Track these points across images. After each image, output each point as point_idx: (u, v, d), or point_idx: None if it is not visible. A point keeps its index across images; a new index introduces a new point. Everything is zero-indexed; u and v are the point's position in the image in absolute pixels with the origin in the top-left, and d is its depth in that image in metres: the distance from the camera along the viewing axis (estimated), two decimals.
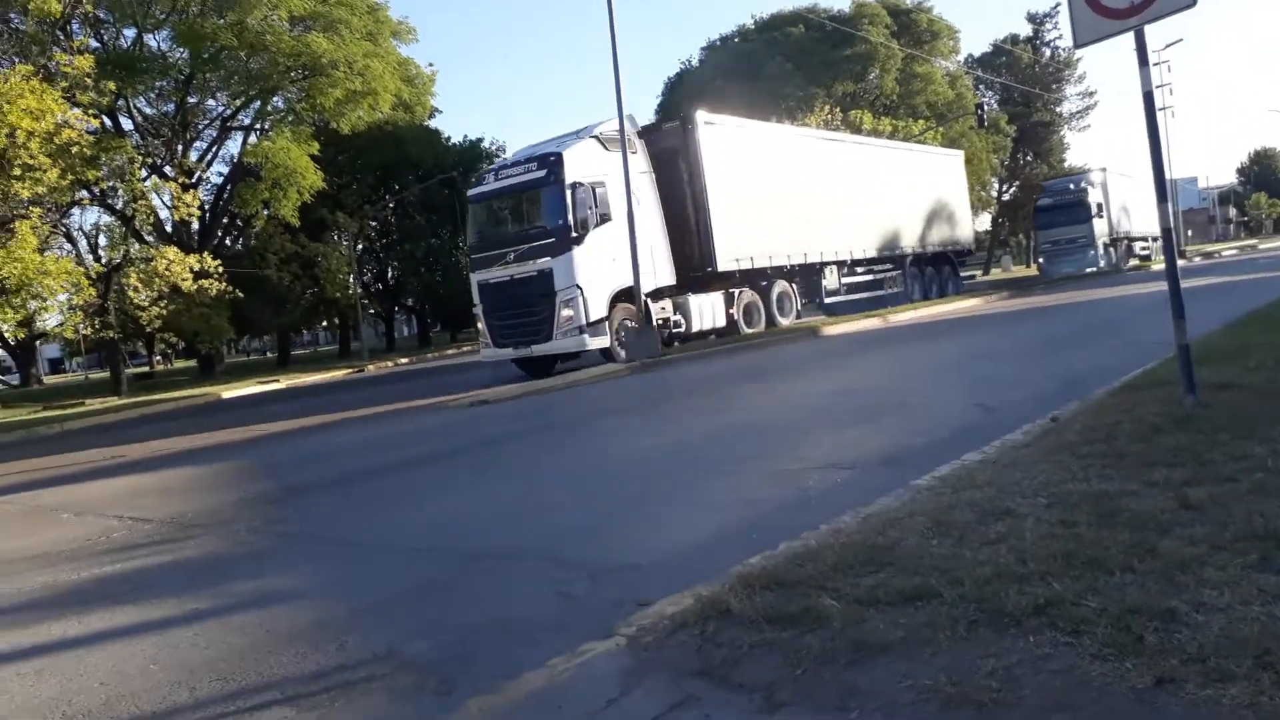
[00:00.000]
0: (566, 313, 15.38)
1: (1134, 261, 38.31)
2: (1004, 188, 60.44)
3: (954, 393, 8.42)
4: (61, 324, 30.19)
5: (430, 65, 36.94)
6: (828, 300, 22.24)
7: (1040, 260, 38.04)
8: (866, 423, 7.09)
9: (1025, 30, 61.42)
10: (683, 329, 17.80)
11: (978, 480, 4.17)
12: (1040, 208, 37.38)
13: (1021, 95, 54.73)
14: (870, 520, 3.73)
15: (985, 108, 48.63)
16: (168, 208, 31.00)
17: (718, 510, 4.93)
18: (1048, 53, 60.61)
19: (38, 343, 51.91)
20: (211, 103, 34.18)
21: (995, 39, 64.67)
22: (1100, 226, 34.77)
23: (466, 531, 5.24)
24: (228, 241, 35.66)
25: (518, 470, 7.28)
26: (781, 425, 7.88)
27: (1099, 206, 34.69)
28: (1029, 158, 60.15)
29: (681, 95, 45.94)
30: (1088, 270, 33.70)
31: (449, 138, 42.59)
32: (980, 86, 56.93)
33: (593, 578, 4.00)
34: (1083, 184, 35.86)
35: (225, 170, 35.78)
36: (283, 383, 25.19)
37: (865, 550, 3.32)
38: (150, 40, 32.17)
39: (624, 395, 12.17)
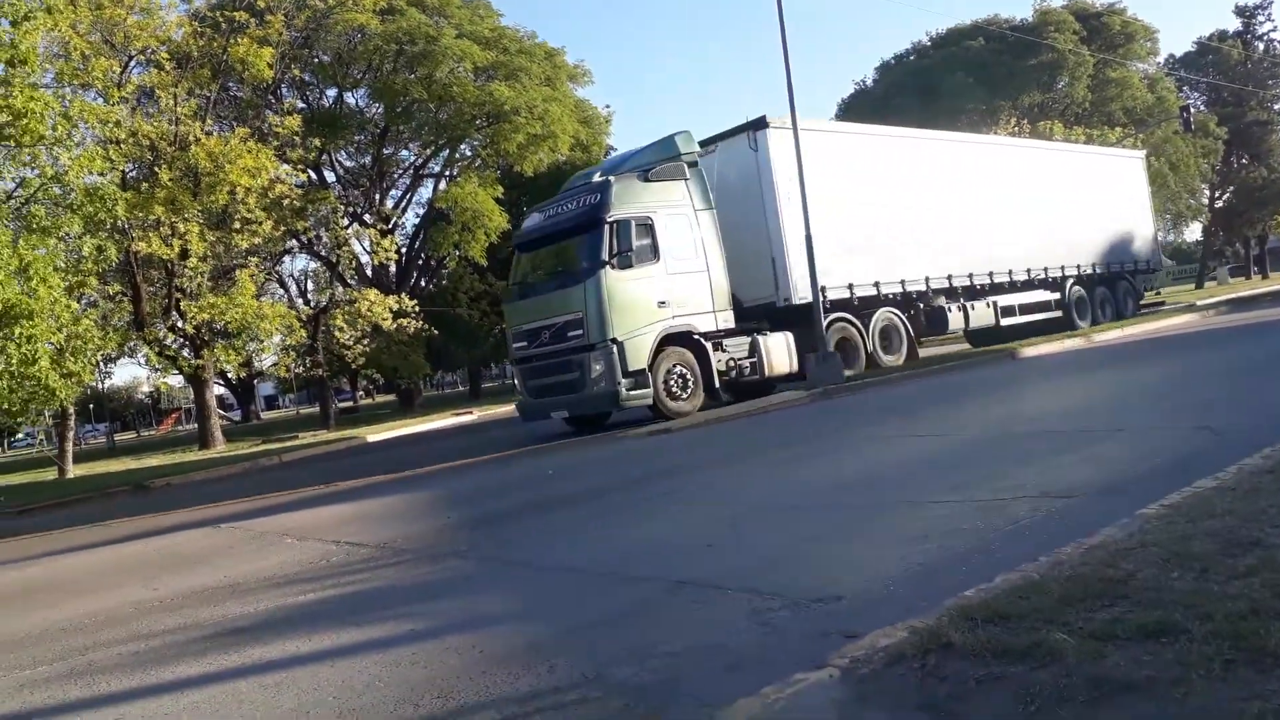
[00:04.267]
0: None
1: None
2: (1216, 194, 55.96)
3: (1176, 415, 7.82)
4: (276, 363, 32.78)
5: (607, 106, 38.01)
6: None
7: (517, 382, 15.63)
8: (1079, 448, 6.66)
9: (1234, 24, 56.94)
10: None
11: (1216, 508, 3.82)
12: (520, 245, 15.93)
13: (1233, 95, 50.73)
14: (1096, 551, 3.48)
15: (1191, 110, 45.16)
16: (368, 253, 33.23)
17: (919, 541, 4.74)
18: (1261, 47, 55.92)
19: (255, 381, 56.72)
20: (405, 153, 36.69)
21: (1199, 37, 60.22)
22: (639, 293, 13.75)
23: (660, 559, 5.27)
24: (423, 282, 37.75)
25: (706, 498, 7.28)
26: (983, 452, 7.53)
27: (649, 237, 14.02)
28: (1244, 160, 55.51)
29: (855, 116, 45.24)
30: (600, 410, 14.33)
31: None
32: (1184, 88, 53.14)
33: (793, 608, 3.92)
34: (612, 181, 14.30)
35: (419, 215, 38.16)
36: (475, 414, 26.32)
37: (1095, 583, 3.09)
38: (349, 98, 34.80)
39: (809, 422, 11.99)
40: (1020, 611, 2.94)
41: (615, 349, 13.34)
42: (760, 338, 15.08)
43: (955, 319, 19.24)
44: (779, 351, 15.29)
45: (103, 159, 21.94)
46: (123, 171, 25.50)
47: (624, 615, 4.25)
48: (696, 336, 14.23)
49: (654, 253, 13.95)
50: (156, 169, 25.24)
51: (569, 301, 13.82)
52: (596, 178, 14.97)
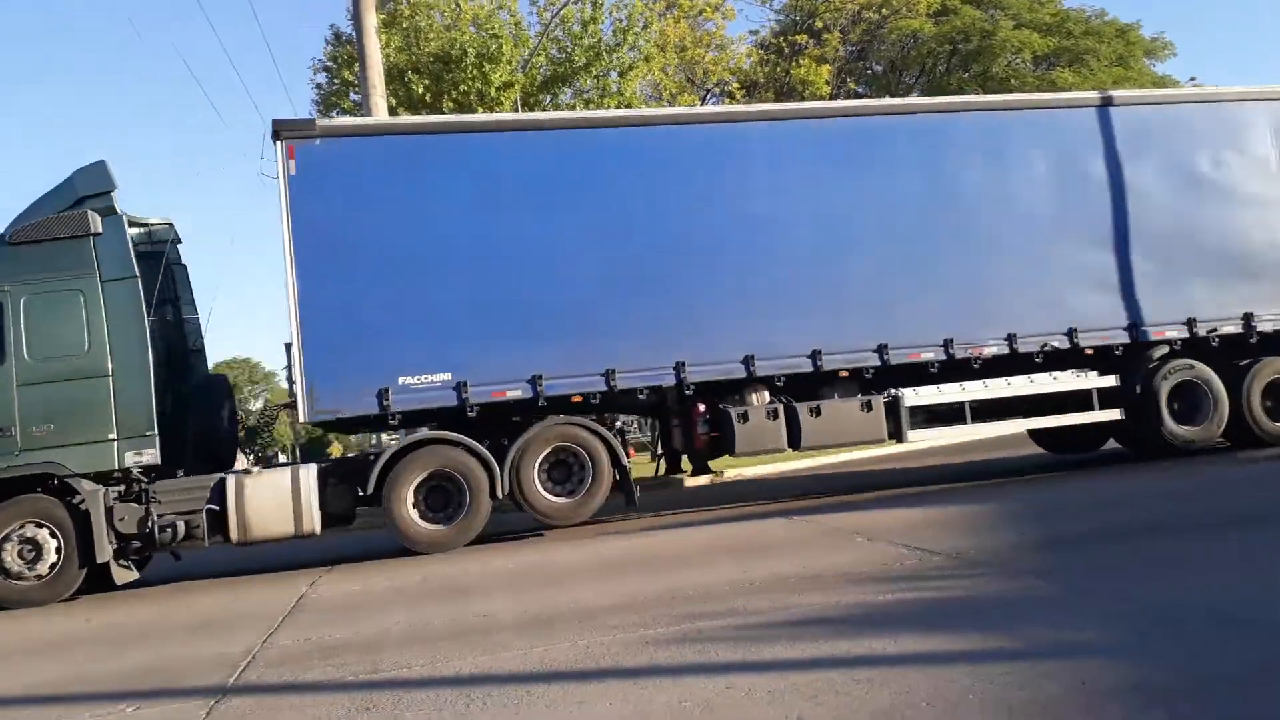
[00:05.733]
0: None
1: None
2: None
3: None
4: None
5: (1192, 79, 33.45)
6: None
7: None
8: None
9: None
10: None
11: None
12: None
13: None
14: None
15: None
16: None
17: None
18: None
19: None
20: None
21: None
22: None
23: None
24: None
25: None
26: None
27: None
28: None
29: None
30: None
31: None
32: None
33: None
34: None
35: None
36: None
37: None
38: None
39: None
40: None
41: None
42: (233, 479, 9.58)
43: (757, 431, 10.71)
44: (267, 501, 9.58)
45: None
46: None
47: (1256, 672, 3.64)
48: (68, 481, 9.16)
49: None
50: None
51: None
52: None
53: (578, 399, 10.38)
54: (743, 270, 10.79)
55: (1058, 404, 11.58)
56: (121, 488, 9.36)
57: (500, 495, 10.06)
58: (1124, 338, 11.55)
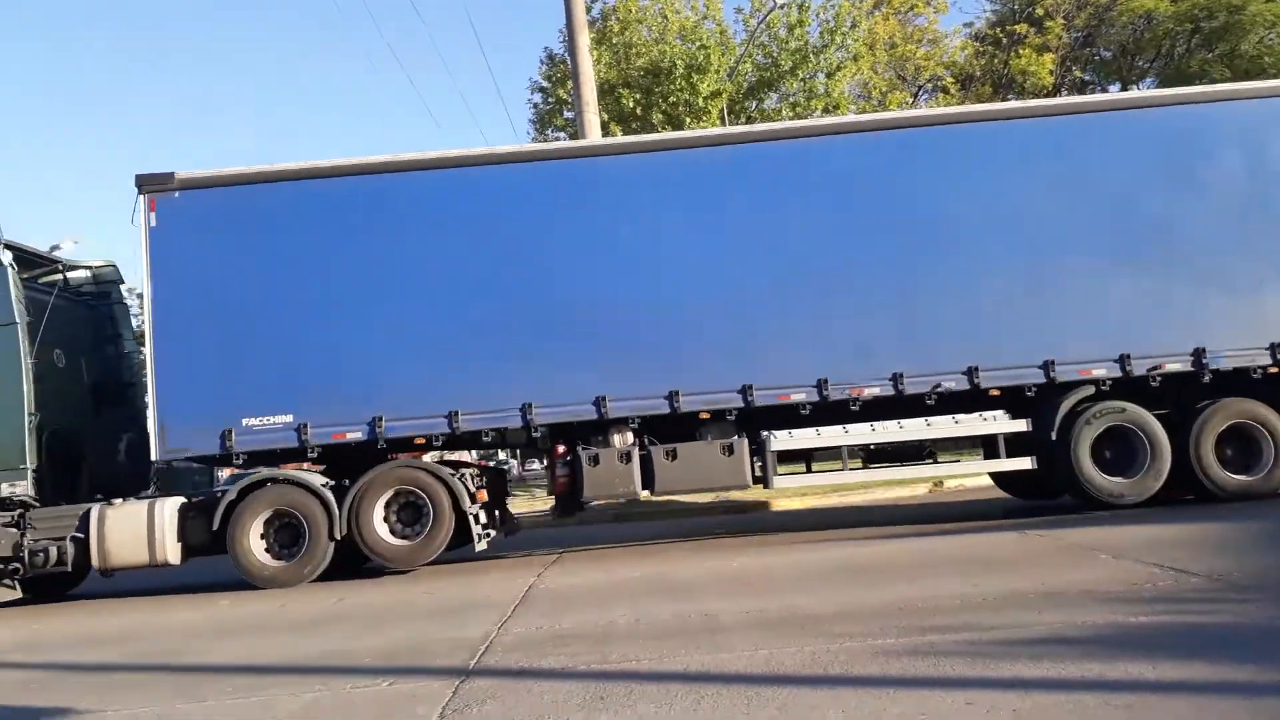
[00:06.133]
0: None
1: None
2: None
3: None
4: None
5: None
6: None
7: None
8: None
9: None
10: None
11: None
12: None
13: None
14: None
15: None
16: None
17: None
18: None
19: None
20: None
21: None
22: None
23: None
24: None
25: None
26: None
27: None
28: None
29: None
30: None
31: None
32: None
33: None
34: None
35: None
36: None
37: None
38: (1133, 92, 32.56)
39: None
40: None
41: None
42: (97, 509, 10.07)
43: (608, 475, 10.19)
44: (124, 532, 10.01)
45: None
46: None
47: None
48: None
49: None
50: None
51: None
52: None
53: (420, 441, 10.35)
54: (594, 308, 10.30)
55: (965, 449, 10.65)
56: (15, 513, 10.10)
57: (338, 536, 10.04)
58: (1037, 377, 10.13)
